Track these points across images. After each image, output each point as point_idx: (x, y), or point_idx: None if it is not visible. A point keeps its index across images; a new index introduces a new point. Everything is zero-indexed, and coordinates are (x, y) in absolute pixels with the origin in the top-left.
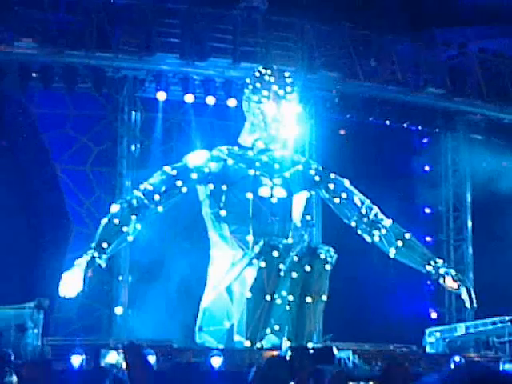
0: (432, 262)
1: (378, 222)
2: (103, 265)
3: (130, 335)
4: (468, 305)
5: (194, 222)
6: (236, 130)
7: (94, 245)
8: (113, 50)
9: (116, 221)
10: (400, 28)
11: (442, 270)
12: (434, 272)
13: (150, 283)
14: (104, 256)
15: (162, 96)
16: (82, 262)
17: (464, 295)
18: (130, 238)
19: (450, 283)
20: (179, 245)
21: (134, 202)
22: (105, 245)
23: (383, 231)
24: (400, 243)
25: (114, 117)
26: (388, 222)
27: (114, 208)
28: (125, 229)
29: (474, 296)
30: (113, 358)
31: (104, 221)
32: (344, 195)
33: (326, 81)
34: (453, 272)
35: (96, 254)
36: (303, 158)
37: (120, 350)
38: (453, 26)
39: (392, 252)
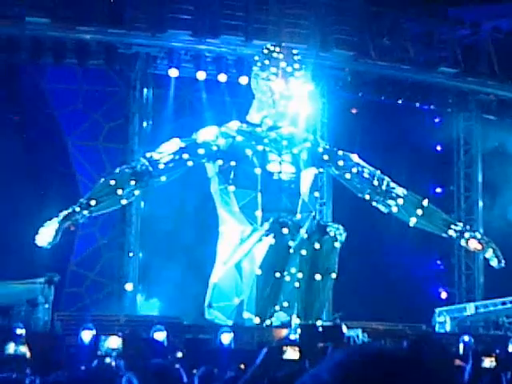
0: (453, 226)
1: (391, 191)
2: (80, 220)
3: (139, 311)
4: (495, 263)
5: (203, 200)
6: (247, 107)
7: (82, 200)
8: (125, 26)
9: (112, 182)
10: (413, 6)
11: (467, 234)
12: (455, 236)
13: (161, 260)
14: (85, 212)
15: (173, 73)
16: (62, 215)
17: (489, 254)
18: (124, 202)
19: (474, 245)
20: (189, 222)
21: (138, 167)
22: (93, 202)
23: (400, 201)
24: (420, 212)
25: (126, 93)
26: (401, 191)
27: (116, 170)
28: (119, 191)
29: (500, 254)
30: (113, 342)
31: (101, 180)
32: (354, 170)
33: (339, 59)
34: (478, 235)
35: (78, 209)
36: (311, 136)
37: (120, 336)
38: (466, 5)
39: (413, 221)
